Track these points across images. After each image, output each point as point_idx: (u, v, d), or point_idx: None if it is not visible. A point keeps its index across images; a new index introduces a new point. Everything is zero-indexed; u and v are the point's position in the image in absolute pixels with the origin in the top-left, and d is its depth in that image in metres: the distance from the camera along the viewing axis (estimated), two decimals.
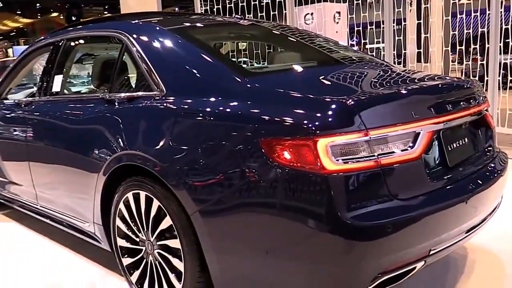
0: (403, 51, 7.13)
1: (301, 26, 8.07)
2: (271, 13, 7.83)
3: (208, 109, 2.15)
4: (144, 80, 2.51)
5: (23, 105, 3.49)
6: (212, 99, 2.17)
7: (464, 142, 2.31)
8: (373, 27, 7.45)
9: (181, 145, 2.18)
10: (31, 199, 3.55)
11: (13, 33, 40.04)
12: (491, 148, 2.59)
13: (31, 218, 3.77)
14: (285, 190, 1.83)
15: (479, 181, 2.26)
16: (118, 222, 2.59)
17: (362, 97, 2.00)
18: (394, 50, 6.64)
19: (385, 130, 1.86)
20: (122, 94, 2.63)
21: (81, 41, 3.46)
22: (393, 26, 6.58)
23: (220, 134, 2.05)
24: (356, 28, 8.08)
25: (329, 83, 2.40)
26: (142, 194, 2.38)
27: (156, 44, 2.60)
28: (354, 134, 1.80)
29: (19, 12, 35.41)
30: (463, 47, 6.50)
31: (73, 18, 35.32)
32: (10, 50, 31.52)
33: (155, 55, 2.55)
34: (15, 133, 3.48)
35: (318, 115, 1.83)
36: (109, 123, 2.61)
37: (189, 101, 2.25)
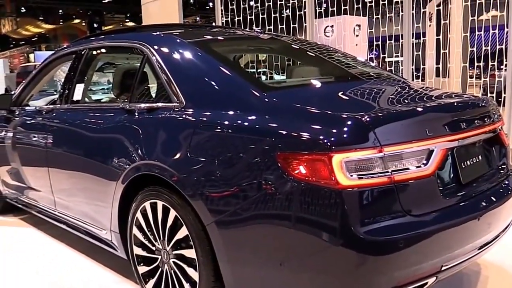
0: (421, 66, 7.13)
1: (321, 38, 8.11)
2: (291, 25, 7.86)
3: (226, 122, 2.18)
4: (164, 91, 2.56)
5: (44, 112, 3.55)
6: (231, 112, 2.21)
7: (477, 160, 2.32)
8: (393, 41, 7.44)
9: (198, 156, 2.22)
10: (49, 205, 3.61)
11: (35, 39, 40.75)
12: (504, 166, 2.59)
13: (48, 224, 3.84)
14: (300, 203, 1.86)
15: (492, 198, 2.28)
16: (135, 231, 2.63)
17: (378, 113, 2.01)
18: (412, 65, 6.64)
19: (399, 147, 1.89)
20: (142, 105, 2.68)
21: (103, 51, 3.51)
22: (412, 40, 6.58)
23: (237, 147, 2.09)
24: (375, 42, 8.09)
25: (346, 98, 2.44)
26: (159, 204, 2.42)
27: (177, 56, 2.65)
28: (368, 150, 1.84)
29: (42, 18, 36.08)
30: (481, 63, 6.48)
31: (95, 25, 35.94)
32: (31, 55, 32.15)
33: (175, 66, 2.60)
34: (35, 139, 3.53)
35: (334, 131, 1.86)
36: (129, 132, 2.66)
37: (208, 113, 2.29)
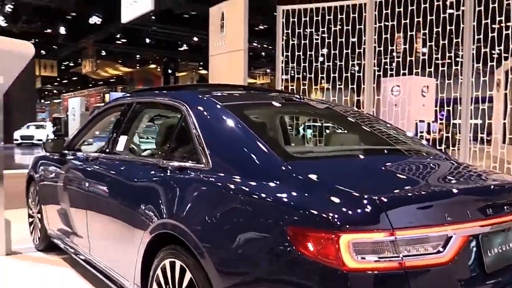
0: (485, 131, 6.87)
1: (387, 97, 8.01)
2: (359, 83, 7.73)
3: (244, 189, 2.17)
4: (195, 152, 2.57)
5: (90, 159, 3.62)
6: (251, 179, 2.19)
7: (508, 248, 2.13)
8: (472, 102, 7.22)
9: (214, 220, 2.19)
10: (85, 248, 3.62)
11: (113, 80, 43.18)
12: None
13: (85, 267, 3.88)
14: (306, 280, 1.79)
15: None
16: (155, 287, 2.62)
17: (394, 194, 1.94)
18: (483, 131, 6.40)
19: (413, 231, 1.78)
20: (175, 163, 2.68)
21: (148, 106, 3.59)
22: (480, 105, 6.39)
23: (252, 215, 2.06)
24: (444, 104, 7.89)
25: (367, 175, 2.32)
26: (177, 263, 2.38)
27: (211, 119, 2.68)
28: (378, 232, 1.75)
29: (120, 61, 38.27)
30: None
31: (169, 71, 37.61)
32: (107, 96, 34.01)
33: (206, 129, 2.62)
34: (78, 184, 3.60)
35: (344, 209, 1.81)
36: (159, 189, 2.66)
37: (230, 178, 2.28)
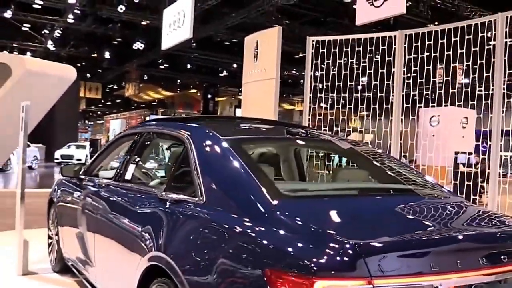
0: None
1: (425, 127, 7.86)
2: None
3: (230, 226, 2.16)
4: (193, 185, 2.57)
5: (102, 186, 3.69)
6: (237, 216, 2.18)
7: None
8: (503, 135, 6.99)
9: (199, 256, 2.18)
10: (91, 273, 3.68)
11: (154, 103, 44.15)
12: None
13: None
14: None
15: None
16: None
17: (376, 241, 1.86)
18: (500, 167, 6.16)
19: (393, 281, 1.72)
20: (173, 195, 2.67)
21: (157, 136, 3.63)
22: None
23: (235, 253, 2.03)
24: (483, 135, 7.66)
25: (355, 218, 2.24)
26: None
27: (209, 152, 2.68)
28: (355, 280, 1.69)
29: (162, 85, 39.19)
30: None
31: (209, 96, 38.20)
32: (147, 118, 34.76)
33: (204, 162, 2.61)
34: (89, 209, 3.67)
35: (320, 254, 1.76)
36: (156, 221, 2.65)
37: (219, 215, 2.28)
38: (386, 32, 7.05)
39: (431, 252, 1.88)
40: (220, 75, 33.73)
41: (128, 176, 3.45)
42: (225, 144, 2.66)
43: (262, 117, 8.93)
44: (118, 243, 3.07)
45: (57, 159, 24.34)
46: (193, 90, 40.93)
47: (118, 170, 3.59)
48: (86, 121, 56.86)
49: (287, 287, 1.74)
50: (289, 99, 39.55)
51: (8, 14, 20.73)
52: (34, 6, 20.67)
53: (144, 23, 22.45)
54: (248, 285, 1.90)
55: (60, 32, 23.99)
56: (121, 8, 19.13)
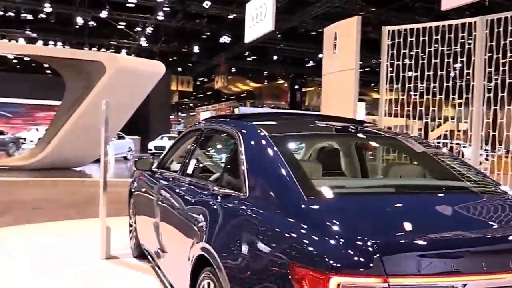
0: None
1: None
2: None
3: (265, 221, 2.26)
4: (240, 179, 2.68)
5: (169, 179, 3.94)
6: (272, 212, 2.28)
7: None
8: None
9: (237, 246, 2.30)
10: (157, 259, 3.95)
11: (243, 95, 45.01)
12: None
13: None
14: None
15: None
16: None
17: (396, 239, 1.87)
18: None
19: (409, 280, 1.71)
20: (223, 190, 2.81)
21: (214, 133, 3.78)
22: None
23: (268, 247, 2.12)
24: None
25: (382, 216, 2.20)
26: (211, 285, 2.53)
27: (253, 148, 2.77)
28: (369, 278, 1.71)
29: (250, 76, 39.84)
30: None
31: (296, 87, 38.26)
32: (236, 110, 35.50)
33: (248, 158, 2.71)
34: (158, 200, 3.91)
35: (335, 251, 1.81)
36: (207, 214, 2.80)
37: (257, 209, 2.38)
38: (466, 19, 6.70)
39: (454, 253, 1.85)
40: (306, 65, 33.63)
41: (189, 170, 3.64)
42: (268, 141, 2.75)
43: (342, 108, 8.89)
44: (178, 233, 3.27)
45: (151, 150, 25.60)
46: (280, 81, 41.17)
47: (182, 164, 3.80)
48: (179, 113, 59.17)
49: (307, 282, 1.80)
50: (377, 88, 38.55)
51: (104, 14, 22.14)
52: (128, 5, 21.86)
53: (230, 16, 22.96)
54: (275, 280, 1.97)
55: (152, 29, 25.18)
56: (207, 4, 19.73)
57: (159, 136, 27.54)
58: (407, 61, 7.56)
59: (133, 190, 5.13)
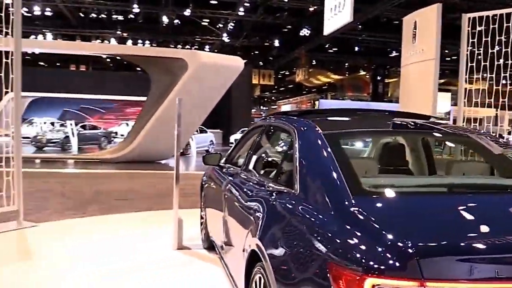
0: None
1: None
2: None
3: (311, 218, 2.27)
4: (292, 177, 2.71)
5: (234, 174, 4.06)
6: (318, 210, 2.29)
7: None
8: None
9: (284, 244, 2.33)
10: (221, 250, 4.09)
11: (324, 87, 44.56)
12: None
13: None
14: None
15: None
16: None
17: (435, 242, 1.81)
18: None
19: (447, 285, 1.66)
20: (277, 187, 2.85)
21: (274, 130, 3.84)
22: None
23: (312, 245, 2.12)
24: None
25: (425, 218, 2.13)
26: (262, 279, 2.54)
27: (306, 146, 2.78)
28: (405, 281, 1.68)
29: (331, 68, 39.38)
30: None
31: (378, 78, 37.30)
32: (317, 103, 35.32)
33: (301, 155, 2.73)
34: (223, 194, 4.02)
35: (372, 252, 1.79)
36: (262, 209, 2.85)
37: (306, 206, 2.39)
38: None
39: (497, 258, 1.78)
40: (389, 55, 32.68)
41: (251, 166, 3.74)
42: (320, 138, 2.75)
43: (421, 100, 8.60)
44: (237, 227, 3.37)
45: (232, 143, 26.16)
46: (362, 73, 40.31)
47: (244, 160, 3.91)
48: (261, 107, 59.78)
49: (343, 282, 1.80)
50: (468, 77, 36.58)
51: (187, 12, 22.88)
52: (211, 2, 22.44)
53: (310, 9, 22.85)
54: (317, 279, 1.98)
55: (233, 24, 25.66)
56: None
57: (240, 130, 28.08)
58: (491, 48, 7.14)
59: (204, 183, 5.33)
